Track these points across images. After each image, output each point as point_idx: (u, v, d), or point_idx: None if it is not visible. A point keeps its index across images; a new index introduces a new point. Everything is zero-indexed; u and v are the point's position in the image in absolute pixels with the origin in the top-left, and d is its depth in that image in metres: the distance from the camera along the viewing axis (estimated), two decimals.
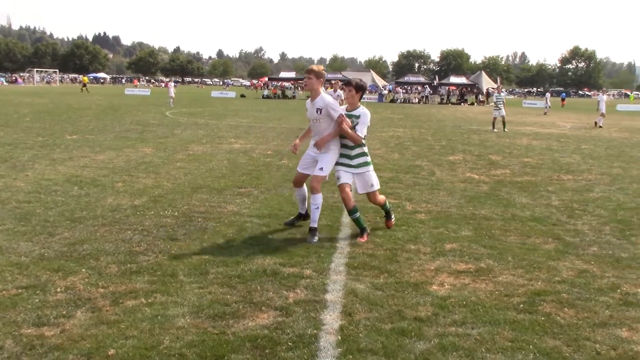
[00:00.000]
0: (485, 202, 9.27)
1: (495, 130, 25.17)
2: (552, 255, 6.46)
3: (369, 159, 7.15)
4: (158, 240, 6.66)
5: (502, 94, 27.45)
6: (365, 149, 7.11)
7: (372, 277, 5.61)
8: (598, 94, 38.85)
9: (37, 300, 4.77)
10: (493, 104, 26.94)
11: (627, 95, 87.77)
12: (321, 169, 6.96)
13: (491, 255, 6.39)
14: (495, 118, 25.62)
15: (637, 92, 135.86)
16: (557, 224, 7.97)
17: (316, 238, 6.82)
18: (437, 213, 8.43)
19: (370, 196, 7.23)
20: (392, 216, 7.52)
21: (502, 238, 7.15)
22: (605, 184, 11.38)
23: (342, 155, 7.07)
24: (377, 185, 7.19)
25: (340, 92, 21.68)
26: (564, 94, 78.40)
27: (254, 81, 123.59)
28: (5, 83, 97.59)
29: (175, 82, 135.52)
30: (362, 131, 6.93)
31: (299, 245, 6.59)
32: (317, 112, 6.93)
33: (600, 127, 29.76)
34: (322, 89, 7.05)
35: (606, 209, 8.95)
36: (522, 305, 4.96)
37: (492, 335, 4.35)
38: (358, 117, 6.93)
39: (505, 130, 25.01)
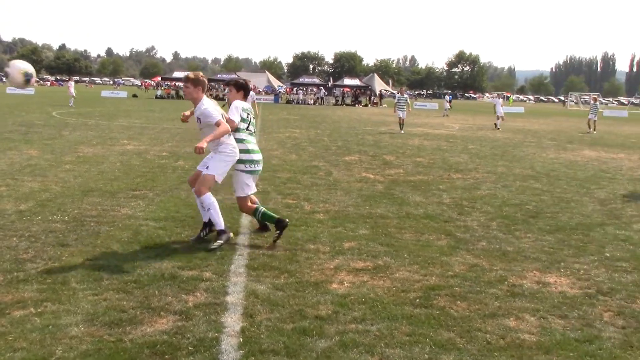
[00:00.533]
0: (380, 201, 9.52)
1: (402, 132, 25.16)
2: (445, 251, 6.74)
3: (245, 157, 6.81)
4: (47, 246, 6.33)
5: (405, 95, 27.31)
6: (246, 144, 6.85)
7: (272, 277, 5.61)
8: (490, 97, 38.83)
9: None
10: (394, 105, 26.72)
11: (507, 98, 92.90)
12: (207, 167, 6.63)
13: (388, 253, 6.57)
14: (400, 119, 25.68)
15: (517, 95, 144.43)
16: (449, 220, 8.32)
17: (219, 242, 6.49)
18: (335, 213, 8.56)
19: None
20: (267, 226, 7.17)
21: (398, 235, 7.37)
22: (491, 182, 11.99)
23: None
24: (238, 192, 6.92)
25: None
26: (450, 96, 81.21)
27: (145, 80, 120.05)
28: None
29: (62, 80, 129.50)
30: (232, 115, 6.74)
31: (198, 248, 6.48)
32: (197, 121, 6.66)
33: (498, 129, 29.91)
34: (204, 96, 6.66)
35: (493, 206, 9.44)
36: (418, 300, 5.13)
37: (390, 331, 4.47)
38: None
39: (402, 132, 25.19)
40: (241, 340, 4.23)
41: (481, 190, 11.00)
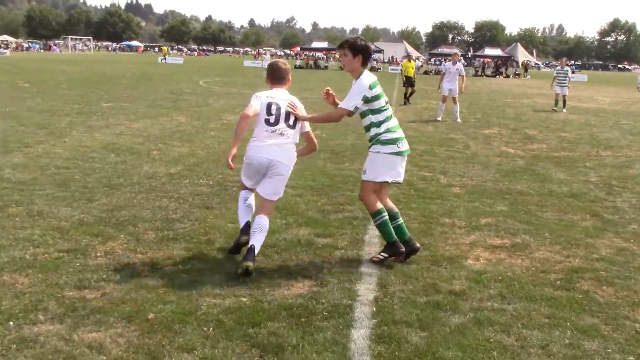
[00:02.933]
0: (521, 177, 9.14)
1: (555, 109, 21.78)
2: (590, 232, 6.36)
3: (383, 138, 5.52)
4: (194, 208, 6.73)
5: (566, 67, 23.05)
6: (375, 130, 5.41)
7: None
8: None
9: (78, 264, 4.88)
10: (553, 78, 23.04)
11: None
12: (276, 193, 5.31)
13: (527, 231, 6.32)
14: (557, 95, 22.10)
15: None
16: (596, 200, 7.83)
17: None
18: (472, 187, 8.35)
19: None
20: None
21: (539, 214, 7.06)
22: None
23: None
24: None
25: (459, 65, 18.76)
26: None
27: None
28: (40, 50, 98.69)
29: (208, 51, 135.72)
30: (345, 102, 5.22)
31: (333, 217, 6.59)
32: None
33: None
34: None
35: None
36: (559, 282, 4.90)
37: (528, 311, 4.31)
38: None
39: (564, 110, 21.52)
40: (374, 309, 4.27)
41: (634, 169, 10.23)
